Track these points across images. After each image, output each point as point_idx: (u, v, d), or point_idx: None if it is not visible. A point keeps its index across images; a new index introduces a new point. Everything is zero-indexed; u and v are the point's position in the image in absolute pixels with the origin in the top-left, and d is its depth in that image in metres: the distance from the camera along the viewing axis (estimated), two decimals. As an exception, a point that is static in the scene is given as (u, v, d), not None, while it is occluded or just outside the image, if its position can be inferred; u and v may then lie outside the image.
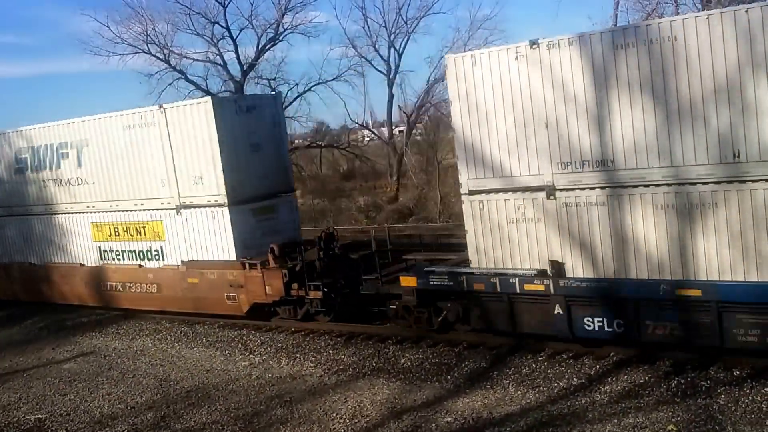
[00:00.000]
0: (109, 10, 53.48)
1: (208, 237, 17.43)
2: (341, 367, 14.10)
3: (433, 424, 11.08)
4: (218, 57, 41.72)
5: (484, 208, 13.31)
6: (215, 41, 41.22)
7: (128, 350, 17.38)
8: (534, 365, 12.79)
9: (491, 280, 13.25)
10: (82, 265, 20.37)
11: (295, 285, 16.21)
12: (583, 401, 11.05)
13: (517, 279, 13.00)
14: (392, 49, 42.53)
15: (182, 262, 17.95)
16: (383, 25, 42.16)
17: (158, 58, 41.23)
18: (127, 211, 18.98)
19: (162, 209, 18.19)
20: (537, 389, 11.77)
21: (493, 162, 13.07)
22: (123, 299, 19.50)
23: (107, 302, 19.98)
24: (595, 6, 75.70)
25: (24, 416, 13.82)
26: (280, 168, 18.30)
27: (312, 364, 14.47)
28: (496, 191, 13.14)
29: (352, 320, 16.26)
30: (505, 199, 13.06)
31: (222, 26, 41.25)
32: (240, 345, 16.51)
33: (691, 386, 10.96)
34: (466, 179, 13.45)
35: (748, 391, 10.53)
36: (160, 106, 17.78)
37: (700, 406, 10.28)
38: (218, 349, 16.47)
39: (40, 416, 13.62)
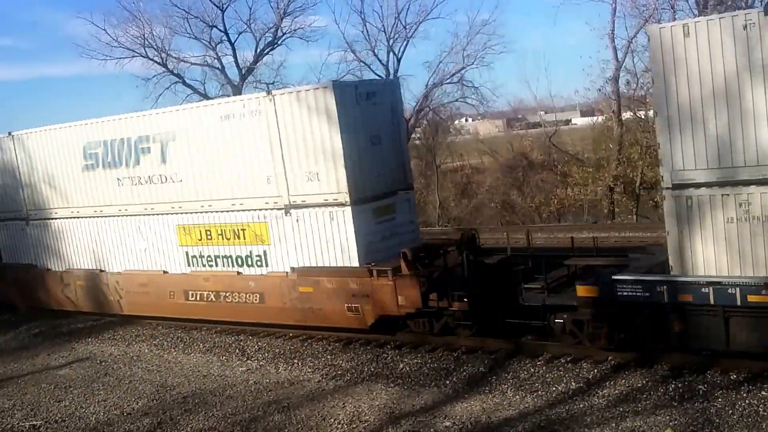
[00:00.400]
0: (106, 14, 54.32)
1: (323, 240, 15.28)
2: (339, 372, 13.93)
3: (432, 429, 10.98)
4: (216, 61, 41.34)
5: (692, 205, 11.14)
6: (213, 45, 40.85)
7: (124, 356, 17.09)
8: (532, 369, 12.61)
9: (703, 290, 11.08)
10: (165, 272, 18.09)
11: (433, 295, 13.99)
12: (581, 405, 10.94)
13: (738, 289, 10.82)
14: (391, 54, 41.19)
15: (292, 268, 15.72)
16: (382, 29, 40.79)
17: (155, 61, 40.68)
18: (222, 212, 16.79)
19: (267, 209, 16.01)
20: (535, 393, 11.65)
21: (709, 150, 10.90)
22: (216, 310, 17.27)
23: (196, 314, 17.73)
24: (592, 12, 74.48)
25: (18, 423, 13.50)
26: (399, 162, 16.14)
27: (310, 370, 14.30)
28: (710, 185, 10.97)
29: (499, 334, 14.03)
30: (723, 194, 10.87)
31: (220, 30, 40.78)
32: (237, 350, 16.28)
33: (689, 390, 10.86)
34: (670, 171, 11.28)
35: (745, 395, 10.45)
36: (268, 93, 15.65)
37: (697, 410, 10.20)
38: (215, 354, 16.24)
39: (34, 423, 13.33)
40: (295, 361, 14.98)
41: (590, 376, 11.96)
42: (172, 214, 17.78)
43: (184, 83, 41.39)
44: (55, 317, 20.74)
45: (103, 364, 16.60)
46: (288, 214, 15.70)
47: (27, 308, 22.33)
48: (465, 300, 13.73)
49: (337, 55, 60.20)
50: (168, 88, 40.78)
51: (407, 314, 14.52)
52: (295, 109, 15.12)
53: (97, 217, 19.36)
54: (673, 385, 11.14)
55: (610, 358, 12.47)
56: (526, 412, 11.05)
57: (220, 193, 16.76)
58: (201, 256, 17.46)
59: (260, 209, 16.17)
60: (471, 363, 13.35)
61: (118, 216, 18.88)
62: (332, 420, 11.67)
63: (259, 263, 16.47)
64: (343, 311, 15.09)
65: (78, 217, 19.81)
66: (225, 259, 17.05)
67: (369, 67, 40.46)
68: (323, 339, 15.90)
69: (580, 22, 65.83)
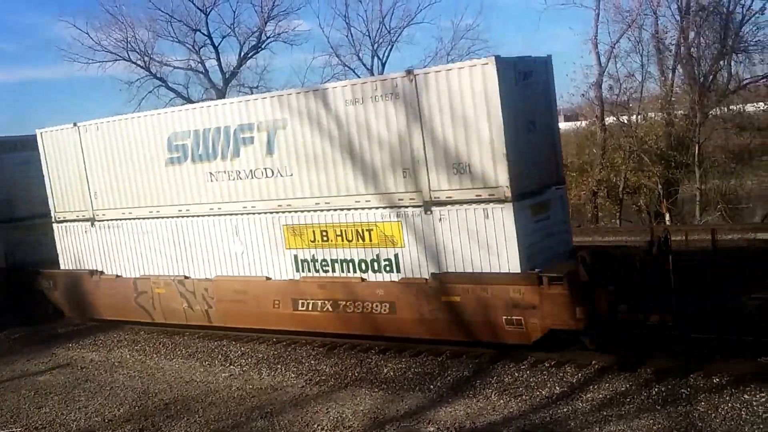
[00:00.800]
0: (88, 17, 53.84)
1: (473, 242, 13.10)
2: (323, 377, 13.70)
3: (417, 435, 10.75)
4: (200, 65, 40.78)
5: None
6: (197, 49, 40.44)
7: (106, 362, 16.71)
8: (516, 374, 12.52)
9: None
10: (267, 278, 15.75)
11: (623, 306, 11.79)
12: (565, 409, 10.84)
13: None
14: (375, 58, 41.39)
15: (433, 274, 13.46)
16: (367, 33, 41.05)
17: (138, 65, 40.29)
18: (343, 210, 14.58)
19: (401, 207, 13.82)
20: (519, 398, 11.54)
21: None
22: (333, 322, 14.98)
23: (307, 325, 15.42)
24: (575, 18, 73.27)
25: None
26: (552, 153, 13.98)
27: (293, 375, 14.04)
28: None
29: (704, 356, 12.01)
30: None
31: (204, 34, 40.20)
32: (220, 356, 15.95)
33: (672, 394, 10.78)
34: None
35: (727, 398, 10.37)
36: (409, 72, 13.33)
37: (680, 414, 10.12)
38: (198, 360, 15.90)
39: (14, 430, 13.02)
40: (279, 366, 14.67)
41: (574, 380, 11.85)
42: (278, 212, 15.51)
43: (168, 87, 40.99)
44: (36, 322, 20.16)
45: (84, 370, 16.24)
46: (428, 213, 13.46)
47: (89, 320, 19.96)
48: (665, 312, 11.52)
49: (321, 59, 60.43)
50: (151, 92, 40.58)
51: (585, 328, 12.25)
52: (443, 90, 12.91)
53: (183, 216, 17.04)
54: (656, 389, 11.01)
55: (594, 361, 12.29)
56: (510, 416, 10.91)
57: (341, 189, 14.51)
58: (314, 260, 15.16)
59: (392, 207, 13.93)
60: (455, 367, 13.19)
61: (209, 215, 16.57)
62: (316, 426, 11.47)
63: (388, 268, 14.19)
64: (499, 324, 12.87)
65: (158, 218, 17.48)
66: (345, 264, 14.76)
67: (354, 72, 40.16)
68: (307, 344, 15.59)
69: (563, 28, 65.14)
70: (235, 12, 46.54)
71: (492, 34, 71.45)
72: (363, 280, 14.54)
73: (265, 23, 40.61)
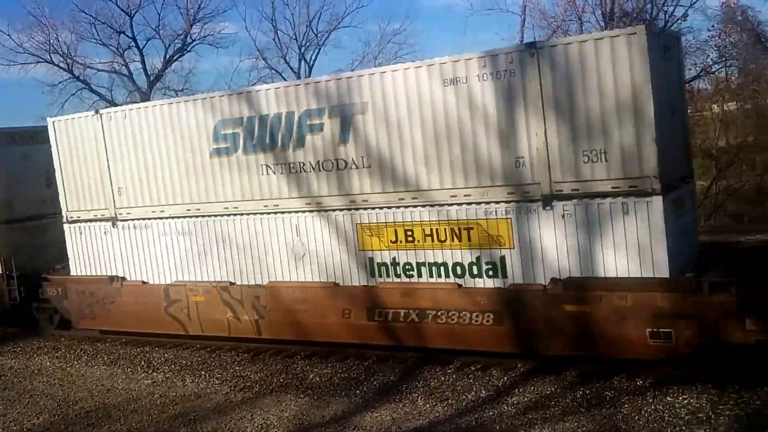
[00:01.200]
0: (10, 19, 50.70)
1: (607, 242, 10.94)
2: (248, 383, 13.19)
3: (342, 440, 10.51)
4: (124, 67, 38.95)
5: None
6: (121, 51, 38.74)
7: (25, 369, 15.88)
8: (443, 378, 12.14)
9: None
10: (336, 284, 13.35)
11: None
12: (490, 413, 10.59)
13: None
14: (303, 62, 39.85)
15: (554, 280, 11.31)
16: (294, 37, 39.44)
17: (61, 67, 38.15)
18: (434, 205, 12.37)
19: (512, 201, 11.58)
20: (445, 402, 11.22)
21: None
22: (420, 334, 12.69)
23: (385, 338, 13.07)
24: (502, 23, 72.89)
25: None
26: (685, 142, 11.94)
27: (218, 382, 13.51)
28: None
29: None
30: None
31: (128, 36, 38.35)
32: (143, 363, 15.24)
33: (596, 396, 10.58)
34: None
35: (650, 400, 10.20)
36: (530, 45, 11.20)
37: (604, 416, 9.94)
38: (120, 367, 15.21)
39: None
40: (203, 372, 14.09)
41: (500, 384, 11.57)
42: (351, 209, 13.14)
43: (91, 90, 39.15)
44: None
45: (2, 378, 15.46)
46: (548, 208, 11.31)
47: (103, 333, 17.19)
48: None
49: (248, 62, 58.91)
50: (74, 95, 38.68)
51: (756, 342, 10.20)
52: (574, 65, 10.82)
53: (229, 215, 14.51)
54: (581, 392, 10.78)
55: (519, 365, 11.90)
56: (436, 421, 10.61)
57: (433, 182, 12.26)
58: (395, 264, 12.84)
59: (500, 201, 11.72)
60: (382, 372, 12.77)
61: (263, 213, 14.12)
62: (240, 432, 10.92)
63: (491, 272, 11.98)
64: (641, 337, 10.73)
65: (199, 216, 14.92)
66: (435, 268, 12.49)
67: (280, 75, 38.75)
68: (232, 350, 14.97)
69: (490, 33, 64.53)
70: (160, 14, 43.60)
71: (419, 39, 69.74)
72: (459, 286, 12.25)
73: (191, 26, 38.81)
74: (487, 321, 11.98)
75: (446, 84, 11.84)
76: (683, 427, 9.41)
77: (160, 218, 15.48)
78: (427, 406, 11.20)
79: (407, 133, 12.33)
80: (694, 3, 31.17)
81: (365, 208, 13.00)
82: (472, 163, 11.86)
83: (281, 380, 13.10)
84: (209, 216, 14.79)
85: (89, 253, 16.83)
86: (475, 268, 12.14)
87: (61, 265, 18.77)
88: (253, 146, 13.98)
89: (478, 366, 12.22)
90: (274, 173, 13.83)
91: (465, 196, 12.01)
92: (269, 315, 14.26)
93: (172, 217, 15.32)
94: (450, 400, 11.25)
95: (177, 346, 15.65)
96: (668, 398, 10.20)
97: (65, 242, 17.17)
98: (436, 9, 60.49)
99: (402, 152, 12.45)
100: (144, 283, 15.97)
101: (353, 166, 12.97)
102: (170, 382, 13.85)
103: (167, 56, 39.52)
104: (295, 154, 13.56)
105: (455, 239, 12.24)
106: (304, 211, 13.67)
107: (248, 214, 14.31)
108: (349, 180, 13.07)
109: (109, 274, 16.52)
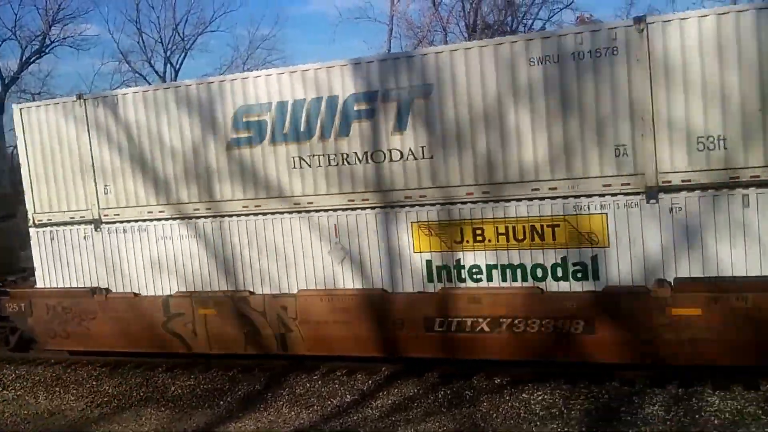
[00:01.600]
0: None
1: (722, 238, 9.69)
2: (105, 398, 12.53)
3: (204, 452, 10.23)
4: None
5: None
6: None
7: None
8: (308, 384, 11.95)
9: None
10: (384, 291, 11.45)
11: None
12: (355, 417, 10.54)
13: None
14: (168, 65, 39.01)
15: (659, 281, 9.96)
16: (159, 40, 38.59)
17: None
18: (509, 200, 10.79)
19: (609, 194, 10.10)
20: (311, 408, 11.06)
21: None
22: (493, 346, 10.97)
23: (448, 351, 11.28)
24: (370, 31, 73.96)
25: None
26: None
27: (73, 398, 12.76)
28: None
29: None
30: None
31: None
32: None
33: (457, 396, 10.72)
34: None
35: (507, 398, 10.43)
36: (639, 20, 9.81)
37: (464, 415, 10.08)
38: None
39: None
40: (57, 389, 13.20)
41: (364, 388, 11.51)
42: (405, 206, 11.28)
43: None
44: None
45: None
46: (652, 201, 9.90)
47: (73, 354, 14.44)
48: None
49: (111, 65, 56.62)
50: None
51: None
52: (690, 43, 9.55)
53: (250, 214, 12.35)
54: (442, 392, 10.90)
55: (384, 368, 11.87)
56: (301, 428, 10.46)
57: (509, 174, 10.68)
58: (459, 266, 11.11)
59: (595, 195, 10.21)
60: (247, 381, 12.39)
61: (293, 212, 12.06)
62: (97, 450, 10.43)
63: (580, 275, 10.46)
64: (764, 342, 9.40)
65: (210, 217, 12.58)
66: (510, 270, 10.83)
67: (145, 79, 37.80)
68: (89, 364, 14.06)
69: (358, 41, 64.99)
70: (17, 14, 42.65)
71: (288, 45, 68.58)
72: (543, 291, 10.64)
73: (50, 27, 36.49)
74: (577, 329, 10.40)
75: (535, 63, 10.29)
76: (538, 422, 9.60)
77: (160, 220, 13.04)
78: (292, 413, 10.96)
79: (480, 120, 10.67)
80: (551, 17, 33.09)
81: (423, 205, 11.20)
82: (559, 152, 10.36)
83: (141, 394, 12.48)
84: (224, 216, 12.52)
85: (62, 261, 14.06)
86: (560, 269, 10.57)
87: (14, 276, 15.83)
88: (283, 136, 11.92)
89: (343, 371, 12.10)
90: (310, 166, 11.81)
91: (549, 189, 10.46)
92: (300, 328, 12.11)
93: (175, 219, 12.92)
94: (315, 407, 11.07)
95: (29, 362, 14.53)
96: (524, 395, 10.45)
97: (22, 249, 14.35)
98: (305, 16, 59.23)
99: (473, 141, 10.78)
100: (136, 294, 13.40)
101: (410, 157, 11.16)
102: (22, 399, 12.94)
103: (23, 58, 36.79)
104: (337, 145, 11.63)
105: (536, 238, 10.62)
106: (345, 209, 11.70)
107: (274, 213, 12.18)
108: (404, 173, 11.25)
109: (88, 285, 13.80)
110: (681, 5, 48.15)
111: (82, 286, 13.87)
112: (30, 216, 14.23)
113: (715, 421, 9.11)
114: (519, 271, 10.80)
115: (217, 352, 12.92)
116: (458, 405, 10.46)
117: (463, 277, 11.13)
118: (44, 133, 13.75)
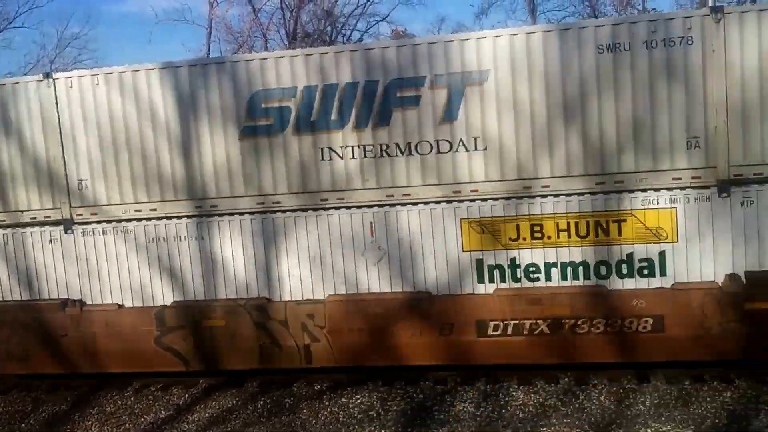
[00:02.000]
0: None
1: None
2: None
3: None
4: None
5: None
6: None
7: None
8: (120, 402, 11.40)
9: None
10: (428, 294, 10.38)
11: None
12: None
13: None
14: None
15: (730, 276, 9.73)
16: None
17: None
18: (571, 194, 10.04)
19: (679, 188, 9.62)
20: (122, 427, 10.52)
21: None
22: (552, 348, 10.20)
23: (501, 356, 10.41)
24: (188, 34, 72.98)
25: None
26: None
27: None
28: None
29: None
30: None
31: None
32: None
33: (277, 405, 10.60)
34: None
35: (327, 403, 10.44)
36: (716, 10, 9.36)
37: (284, 423, 10.04)
38: None
39: None
40: None
41: (180, 402, 11.06)
42: (453, 201, 10.28)
43: None
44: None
45: None
46: (723, 194, 9.54)
47: (21, 378, 12.12)
48: None
49: None
50: None
51: None
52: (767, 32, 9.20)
53: (267, 212, 10.82)
54: (262, 402, 10.70)
55: (201, 381, 11.43)
56: None
57: (573, 167, 9.98)
58: (514, 265, 10.25)
59: (664, 188, 9.70)
60: (52, 401, 11.58)
61: (320, 209, 10.65)
62: None
63: (647, 271, 9.92)
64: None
65: (215, 215, 10.90)
66: (572, 269, 10.09)
67: None
68: None
69: (176, 43, 63.54)
70: None
71: (101, 44, 64.63)
72: (609, 290, 10.01)
73: None
74: (645, 327, 9.84)
75: (602, 51, 9.61)
76: (356, 425, 9.66)
77: (150, 219, 11.13)
78: (103, 432, 10.26)
79: (542, 110, 9.90)
80: (369, 29, 34.06)
81: (474, 200, 10.22)
82: (626, 144, 9.73)
83: None
84: (235, 214, 10.87)
85: (18, 269, 11.71)
86: (625, 266, 9.96)
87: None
88: (311, 124, 10.49)
89: (158, 386, 11.55)
90: (342, 158, 10.47)
91: (616, 183, 9.83)
92: (330, 338, 10.73)
93: (168, 218, 11.09)
94: (127, 425, 10.53)
95: None
96: (343, 399, 10.46)
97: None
98: (120, 15, 55.89)
99: (533, 131, 9.98)
100: (120, 306, 11.37)
101: (461, 148, 10.14)
102: None
103: None
104: (374, 135, 10.37)
105: (600, 234, 9.96)
106: (382, 205, 10.46)
107: (297, 209, 10.70)
108: (453, 166, 10.21)
109: (56, 297, 11.58)
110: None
111: (48, 298, 11.59)
112: None
113: (520, 415, 9.52)
114: (580, 270, 10.09)
115: (224, 368, 11.21)
116: (278, 413, 10.26)
117: (518, 276, 10.26)
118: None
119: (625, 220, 9.90)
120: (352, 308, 10.60)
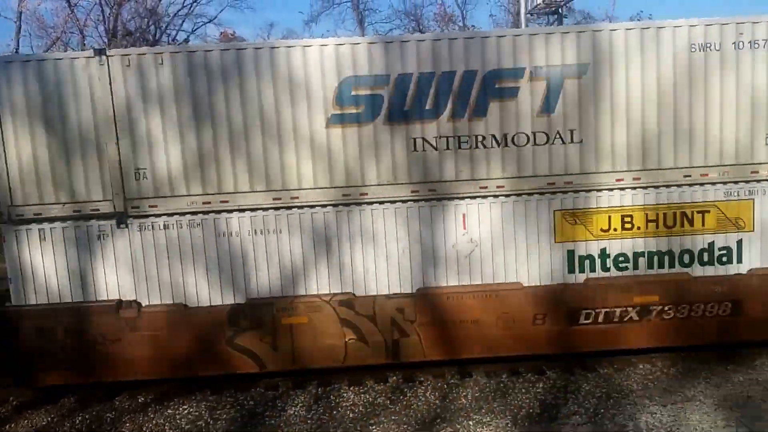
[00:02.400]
0: None
1: None
2: None
3: None
4: None
5: None
6: None
7: None
8: None
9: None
10: (520, 285, 10.37)
11: None
12: None
13: None
14: None
15: (802, 261, 10.33)
16: None
17: None
18: (662, 186, 10.34)
19: (756, 180, 10.23)
20: None
21: None
22: (641, 334, 10.56)
23: (592, 344, 10.57)
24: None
25: None
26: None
27: None
28: None
29: None
30: None
31: None
32: None
33: (97, 420, 9.90)
34: None
35: (152, 416, 9.90)
36: None
37: None
38: None
39: None
40: None
41: None
42: (547, 193, 10.27)
43: None
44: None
45: None
46: (787, 187, 10.27)
47: (82, 384, 10.77)
48: None
49: None
50: None
51: None
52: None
53: (353, 203, 10.28)
54: (80, 418, 9.95)
55: (11, 398, 10.57)
56: None
57: (664, 160, 10.30)
58: (604, 255, 10.43)
59: (745, 181, 10.26)
60: None
61: (410, 200, 10.27)
62: None
63: (724, 259, 10.46)
64: None
65: (299, 207, 10.25)
66: (658, 257, 10.44)
67: None
68: None
69: None
70: None
71: None
72: (692, 276, 10.42)
73: None
74: (724, 311, 10.36)
75: (695, 50, 9.94)
76: None
77: (226, 211, 10.21)
78: None
79: (636, 104, 10.11)
80: (195, 30, 34.83)
81: (567, 192, 10.26)
82: (716, 139, 10.14)
83: None
84: (320, 205, 10.21)
85: (60, 269, 10.33)
86: (705, 255, 10.41)
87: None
88: (403, 113, 10.04)
89: None
90: (436, 149, 10.12)
91: (701, 175, 10.22)
92: (420, 332, 10.36)
93: (247, 210, 10.25)
94: None
95: None
96: (169, 411, 9.96)
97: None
98: None
99: (627, 125, 10.16)
100: (186, 307, 10.34)
101: (559, 141, 10.14)
102: None
103: None
104: (470, 126, 10.12)
105: (685, 224, 10.34)
106: (475, 197, 10.24)
107: (384, 201, 10.23)
108: (549, 158, 10.18)
109: (109, 297, 10.34)
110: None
111: (97, 299, 10.32)
112: (3, 211, 10.19)
113: (351, 415, 9.49)
114: (666, 258, 10.41)
115: (300, 367, 10.50)
116: (98, 429, 9.57)
117: (607, 266, 10.42)
118: (33, 96, 9.90)
119: (708, 211, 10.31)
120: (445, 301, 10.28)
